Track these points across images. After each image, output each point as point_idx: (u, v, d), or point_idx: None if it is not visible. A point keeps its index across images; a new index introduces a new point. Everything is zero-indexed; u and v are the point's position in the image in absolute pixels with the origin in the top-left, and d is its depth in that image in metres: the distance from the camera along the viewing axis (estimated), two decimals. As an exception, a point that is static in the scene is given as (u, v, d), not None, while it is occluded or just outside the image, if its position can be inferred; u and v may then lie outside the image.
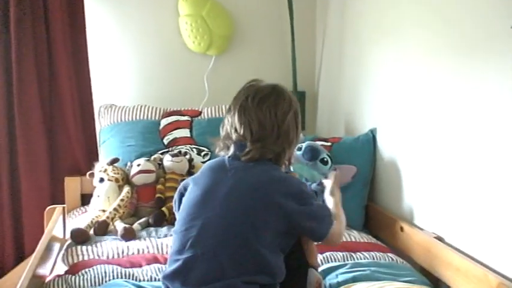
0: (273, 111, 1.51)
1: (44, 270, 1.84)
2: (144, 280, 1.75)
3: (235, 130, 1.52)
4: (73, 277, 1.74)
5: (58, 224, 2.20)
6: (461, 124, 1.84)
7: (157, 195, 2.33)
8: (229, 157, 1.55)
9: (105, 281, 1.71)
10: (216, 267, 1.39)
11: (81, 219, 2.35)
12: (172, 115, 2.68)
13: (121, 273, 1.76)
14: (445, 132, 1.93)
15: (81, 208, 2.61)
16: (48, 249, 1.91)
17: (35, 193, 2.67)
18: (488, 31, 1.70)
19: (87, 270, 1.78)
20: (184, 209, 1.52)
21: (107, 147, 2.61)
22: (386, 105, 2.35)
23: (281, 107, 1.53)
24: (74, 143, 2.74)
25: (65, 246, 2.08)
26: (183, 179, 2.31)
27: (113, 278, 1.73)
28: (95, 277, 1.73)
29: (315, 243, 1.63)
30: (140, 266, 1.85)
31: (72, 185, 2.69)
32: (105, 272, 1.76)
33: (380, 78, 2.39)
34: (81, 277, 1.74)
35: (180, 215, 1.53)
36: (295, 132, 1.57)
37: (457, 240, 1.88)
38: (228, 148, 1.56)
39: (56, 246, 2.10)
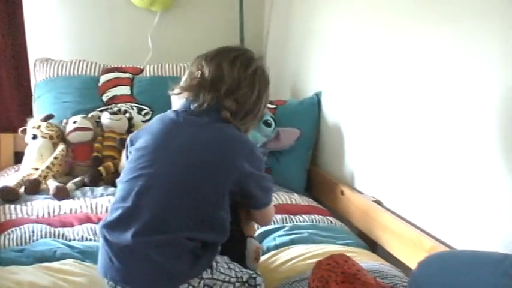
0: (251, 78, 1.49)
1: (-35, 230, 1.74)
2: (74, 240, 1.68)
3: (202, 75, 1.46)
4: (-3, 236, 1.66)
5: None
6: (405, 90, 1.83)
7: (94, 153, 2.24)
8: (182, 111, 1.47)
9: (33, 240, 1.63)
10: (160, 219, 1.33)
11: (12, 178, 2.22)
12: (112, 71, 2.56)
13: (50, 232, 1.69)
14: (387, 98, 1.92)
15: (14, 166, 2.48)
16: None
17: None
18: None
19: (13, 229, 1.69)
20: (133, 159, 1.44)
21: (42, 103, 2.48)
22: (332, 69, 2.32)
23: (263, 80, 1.53)
24: (7, 98, 2.59)
25: (-7, 205, 1.97)
26: (122, 138, 2.26)
27: (41, 238, 1.65)
28: (21, 236, 1.65)
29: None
30: (72, 225, 1.78)
31: (5, 142, 2.56)
32: (33, 231, 1.67)
33: (327, 40, 2.36)
34: (7, 237, 1.65)
35: (127, 165, 1.46)
36: (262, 104, 1.53)
37: (395, 205, 1.90)
38: (194, 95, 1.47)
39: (-17, 205, 1.99)
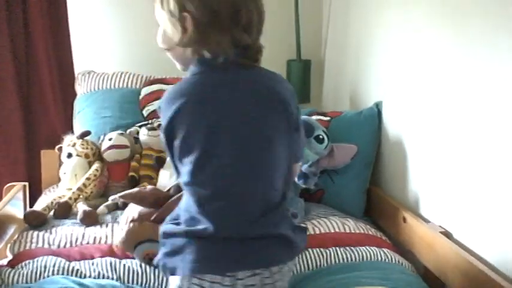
0: None
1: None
2: (89, 276, 1.50)
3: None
4: (9, 271, 1.51)
5: (19, 203, 1.98)
6: (482, 102, 1.50)
7: (130, 173, 2.08)
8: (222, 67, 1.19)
9: (43, 277, 1.47)
10: (262, 200, 1.19)
11: (47, 199, 2.11)
12: (154, 83, 2.39)
13: (64, 267, 1.51)
14: (461, 110, 1.59)
15: (59, 185, 2.37)
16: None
17: (8, 167, 2.46)
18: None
19: (27, 262, 1.54)
20: (198, 155, 1.16)
21: (81, 118, 2.35)
22: (395, 76, 2.02)
23: None
24: (52, 113, 2.51)
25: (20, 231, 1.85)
26: (158, 156, 2.08)
27: (52, 274, 1.48)
28: (32, 272, 1.49)
29: None
30: (92, 258, 1.60)
31: (49, 159, 2.45)
32: (45, 267, 1.51)
33: (390, 46, 2.05)
34: (18, 271, 1.50)
35: (191, 163, 1.16)
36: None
37: (468, 239, 1.57)
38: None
39: (12, 229, 1.87)
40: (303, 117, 2.07)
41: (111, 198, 1.87)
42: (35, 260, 1.55)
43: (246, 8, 1.20)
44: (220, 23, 1.18)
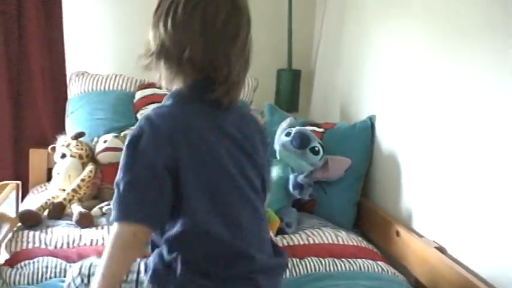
0: None
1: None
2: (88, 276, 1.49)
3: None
4: (9, 270, 1.49)
5: (11, 202, 1.95)
6: (475, 116, 1.57)
7: (124, 176, 2.07)
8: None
9: (45, 279, 1.46)
10: None
11: (39, 198, 2.08)
12: (149, 87, 2.39)
13: (65, 269, 1.50)
14: (455, 125, 1.66)
15: (46, 184, 2.35)
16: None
17: (-5, 165, 2.42)
18: (499, 13, 1.44)
19: (27, 262, 1.53)
20: None
21: (74, 119, 2.33)
22: (388, 90, 2.07)
23: None
24: (41, 112, 2.47)
25: (14, 230, 1.82)
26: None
27: (54, 276, 1.47)
28: (33, 273, 1.47)
29: None
30: (90, 259, 1.60)
31: (37, 158, 2.42)
32: (47, 267, 1.50)
33: (383, 59, 2.11)
34: (19, 271, 1.49)
35: None
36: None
37: (462, 254, 1.62)
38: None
39: (5, 228, 1.84)
40: (299, 128, 2.12)
41: (105, 208, 1.87)
42: (35, 260, 1.54)
43: None
44: None
